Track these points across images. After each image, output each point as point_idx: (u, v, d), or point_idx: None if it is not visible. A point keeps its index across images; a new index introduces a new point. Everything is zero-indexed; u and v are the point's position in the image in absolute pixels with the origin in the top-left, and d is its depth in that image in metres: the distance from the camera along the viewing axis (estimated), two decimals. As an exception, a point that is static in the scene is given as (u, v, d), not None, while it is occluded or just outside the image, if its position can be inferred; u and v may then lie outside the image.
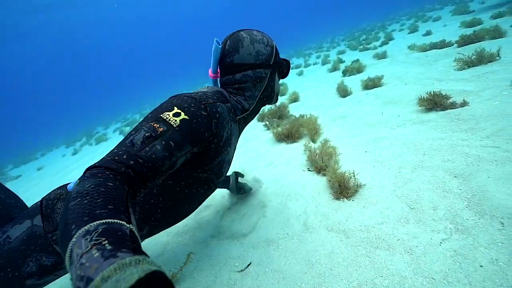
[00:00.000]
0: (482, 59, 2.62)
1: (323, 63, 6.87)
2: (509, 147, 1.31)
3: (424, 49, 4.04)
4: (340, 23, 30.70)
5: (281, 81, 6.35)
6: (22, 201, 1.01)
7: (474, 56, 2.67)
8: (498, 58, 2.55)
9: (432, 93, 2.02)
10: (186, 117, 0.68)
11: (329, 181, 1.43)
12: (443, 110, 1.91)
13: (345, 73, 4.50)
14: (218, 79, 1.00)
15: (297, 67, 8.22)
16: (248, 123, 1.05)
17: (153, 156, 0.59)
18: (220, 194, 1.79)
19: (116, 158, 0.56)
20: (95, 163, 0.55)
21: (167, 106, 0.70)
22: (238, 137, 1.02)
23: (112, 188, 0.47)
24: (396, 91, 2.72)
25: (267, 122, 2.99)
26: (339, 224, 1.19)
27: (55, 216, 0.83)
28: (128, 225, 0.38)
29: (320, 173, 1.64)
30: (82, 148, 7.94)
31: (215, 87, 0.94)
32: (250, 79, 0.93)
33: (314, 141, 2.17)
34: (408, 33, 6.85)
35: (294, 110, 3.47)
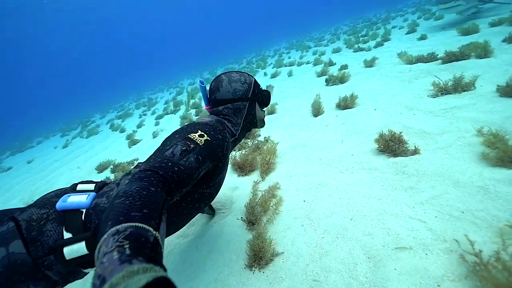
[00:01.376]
0: (457, 87, 2.44)
1: (315, 63, 6.59)
2: (434, 224, 1.22)
3: (411, 61, 3.79)
4: (350, 10, 29.28)
5: (273, 81, 6.23)
6: None
7: (450, 83, 2.49)
8: (473, 88, 2.36)
9: (390, 133, 1.89)
10: (208, 138, 0.84)
11: (248, 245, 1.37)
12: (394, 157, 1.80)
13: (328, 81, 4.30)
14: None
15: (291, 64, 7.95)
16: (236, 146, 1.20)
17: (190, 165, 0.73)
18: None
19: (163, 164, 0.66)
20: (146, 167, 0.63)
21: (191, 129, 0.85)
22: None
23: (153, 193, 0.52)
24: (363, 118, 2.58)
25: (232, 143, 2.90)
26: (238, 306, 1.14)
27: (46, 240, 0.71)
28: (154, 232, 0.41)
29: (249, 226, 1.57)
30: (73, 141, 8.00)
31: (214, 116, 1.08)
32: (230, 111, 1.10)
33: (263, 178, 2.09)
34: (406, 33, 6.46)
35: (266, 125, 3.36)
